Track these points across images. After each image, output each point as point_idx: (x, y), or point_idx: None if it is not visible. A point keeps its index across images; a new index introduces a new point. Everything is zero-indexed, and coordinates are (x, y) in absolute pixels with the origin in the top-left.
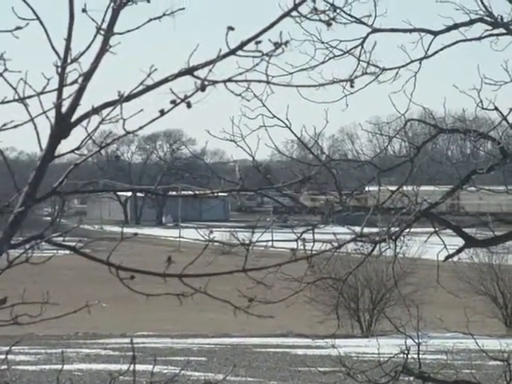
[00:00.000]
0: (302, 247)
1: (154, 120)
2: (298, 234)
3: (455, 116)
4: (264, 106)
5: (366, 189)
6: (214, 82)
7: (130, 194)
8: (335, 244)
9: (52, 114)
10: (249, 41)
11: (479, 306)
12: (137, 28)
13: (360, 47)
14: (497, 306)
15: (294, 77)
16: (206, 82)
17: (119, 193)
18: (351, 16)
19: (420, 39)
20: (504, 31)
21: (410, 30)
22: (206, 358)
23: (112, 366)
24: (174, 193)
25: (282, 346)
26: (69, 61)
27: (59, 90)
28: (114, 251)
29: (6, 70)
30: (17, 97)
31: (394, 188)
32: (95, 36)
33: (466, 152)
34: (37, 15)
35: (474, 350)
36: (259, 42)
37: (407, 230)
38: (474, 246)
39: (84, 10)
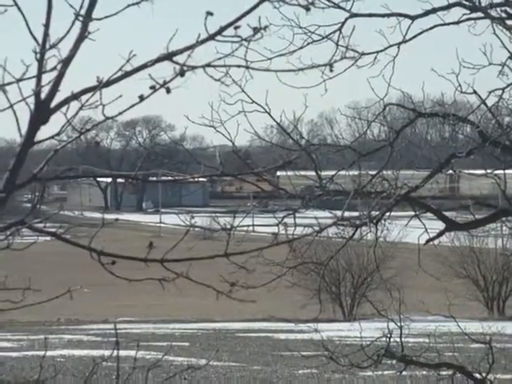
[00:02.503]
0: (283, 232)
1: (133, 106)
2: (279, 219)
3: (434, 100)
4: (243, 91)
5: (345, 173)
6: (193, 68)
7: (110, 180)
8: (316, 228)
9: (31, 100)
10: (228, 26)
11: (460, 289)
12: (115, 14)
13: (338, 32)
14: (478, 289)
15: (273, 62)
16: (185, 68)
17: (99, 179)
18: (329, 1)
19: (398, 24)
20: (482, 15)
21: (388, 15)
22: (188, 343)
23: (95, 351)
24: (154, 178)
25: (264, 330)
26: (47, 47)
27: (38, 77)
28: (94, 237)
29: None
30: None
31: (373, 172)
32: (73, 22)
33: (445, 136)
34: (15, 1)
35: (456, 333)
36: (238, 27)
37: (388, 214)
38: (454, 230)
39: None
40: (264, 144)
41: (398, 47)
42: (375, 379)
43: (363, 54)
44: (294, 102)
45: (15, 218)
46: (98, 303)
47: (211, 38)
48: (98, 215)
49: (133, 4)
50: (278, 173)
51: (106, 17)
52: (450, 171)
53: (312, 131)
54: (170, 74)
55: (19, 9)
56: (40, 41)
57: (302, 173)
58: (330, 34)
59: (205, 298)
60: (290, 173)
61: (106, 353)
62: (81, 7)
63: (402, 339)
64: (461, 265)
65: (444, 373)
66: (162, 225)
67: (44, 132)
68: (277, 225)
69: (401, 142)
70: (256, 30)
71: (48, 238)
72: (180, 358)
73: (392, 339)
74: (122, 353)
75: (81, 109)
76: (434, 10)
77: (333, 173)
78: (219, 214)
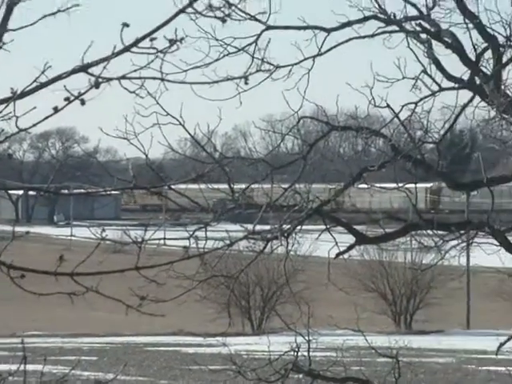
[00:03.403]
0: (194, 245)
1: (47, 117)
2: (191, 232)
3: (347, 113)
4: (158, 103)
5: (258, 186)
6: (108, 79)
7: (21, 192)
8: (227, 242)
9: None
10: (143, 37)
11: (369, 303)
12: (31, 24)
13: (254, 44)
14: (386, 303)
15: (189, 74)
16: (100, 79)
17: (10, 191)
18: (246, 13)
19: (314, 36)
20: (397, 28)
21: (304, 28)
22: (96, 357)
23: (1, 366)
24: (66, 191)
25: (173, 344)
26: None
27: None
28: (4, 250)
29: None
30: None
31: (286, 185)
32: None
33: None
34: None
35: (363, 347)
36: (154, 38)
37: (299, 228)
38: (364, 243)
39: None
40: (178, 157)
41: (313, 60)
42: None
43: (278, 66)
44: (208, 115)
45: None
46: (5, 317)
47: (127, 49)
48: (8, 228)
49: (49, 15)
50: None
51: (22, 27)
52: (363, 185)
53: (226, 144)
54: (85, 85)
55: None
56: None
57: (215, 186)
58: (246, 46)
59: (115, 312)
60: (202, 186)
61: (13, 367)
62: None
63: (310, 353)
64: (370, 279)
65: None
66: (72, 238)
67: None
68: (188, 238)
69: (314, 155)
70: (172, 42)
71: None
72: (87, 372)
73: (300, 353)
74: (29, 367)
75: None
76: (349, 23)
77: (246, 186)
78: (130, 227)
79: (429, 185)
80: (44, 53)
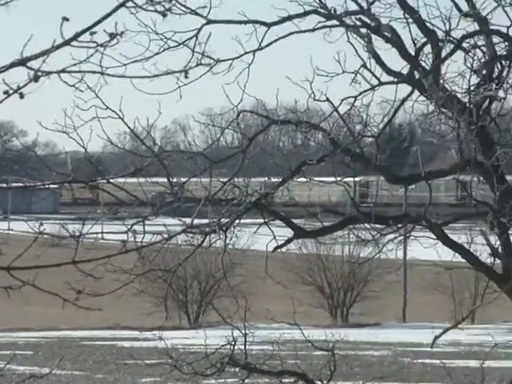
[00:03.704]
0: (132, 239)
1: None
2: (129, 226)
3: (287, 107)
4: (97, 97)
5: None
6: (48, 73)
7: None
8: (165, 235)
9: None
10: (83, 31)
11: (306, 296)
12: None
13: (195, 38)
14: (323, 296)
15: (129, 68)
16: (40, 73)
17: None
18: (186, 7)
19: (254, 31)
20: (337, 23)
21: (245, 22)
22: (32, 351)
23: None
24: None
25: (109, 338)
26: None
27: None
28: None
29: None
30: None
31: (225, 179)
32: None
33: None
34: None
35: (300, 341)
36: (94, 32)
37: (237, 221)
38: (302, 237)
39: None
40: (117, 150)
41: (254, 54)
42: None
43: (219, 60)
44: (148, 108)
45: None
46: None
47: (66, 43)
48: None
49: None
50: (130, 179)
51: None
52: (301, 178)
53: (165, 137)
54: (24, 79)
55: None
56: None
57: (154, 179)
58: (186, 40)
59: (51, 306)
60: (141, 179)
61: None
62: None
63: (247, 347)
64: (307, 272)
65: (286, 380)
66: (10, 232)
67: None
68: (126, 232)
69: (253, 149)
70: (112, 36)
71: None
72: (22, 367)
73: (236, 347)
74: None
75: None
76: (289, 18)
77: (185, 179)
78: (68, 221)
79: (358, 178)
80: None
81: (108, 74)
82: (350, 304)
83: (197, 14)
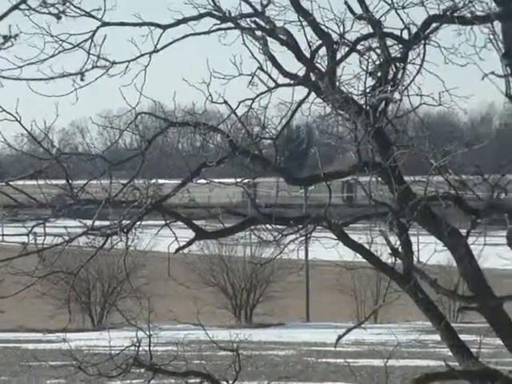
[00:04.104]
0: (33, 241)
1: None
2: (29, 228)
3: (185, 109)
4: None
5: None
6: None
7: None
8: (66, 238)
9: None
10: None
11: (210, 297)
12: None
13: (90, 41)
14: (226, 297)
15: (24, 70)
16: None
17: None
18: (81, 9)
19: (150, 33)
20: (232, 25)
21: (140, 24)
22: None
23: None
24: None
25: (12, 340)
26: None
27: None
28: None
29: None
30: None
31: (125, 181)
32: None
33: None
34: None
35: (204, 341)
36: None
37: (138, 223)
38: (204, 238)
39: None
40: (15, 153)
41: (150, 56)
42: None
43: (115, 62)
44: (45, 111)
45: None
46: None
47: None
48: None
49: None
50: (29, 181)
51: None
52: (201, 180)
53: (63, 140)
54: None
55: None
56: None
57: (54, 182)
58: (82, 42)
59: None
60: (40, 181)
61: None
62: None
63: (151, 348)
64: (210, 273)
65: (192, 381)
66: None
67: None
68: (26, 234)
69: (152, 150)
70: (6, 39)
71: None
72: None
73: (141, 348)
74: None
75: None
76: (184, 20)
77: (84, 182)
78: None
79: (246, 180)
80: None
81: (3, 77)
82: (253, 304)
83: (91, 16)
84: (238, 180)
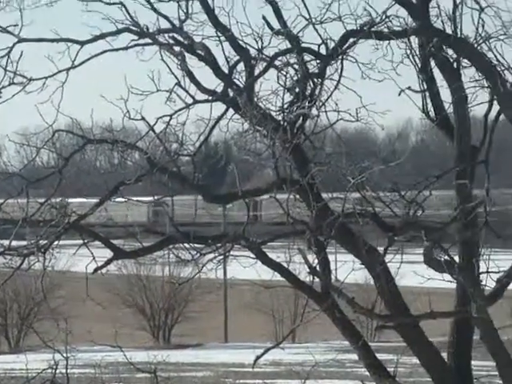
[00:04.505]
0: None
1: None
2: None
3: (103, 126)
4: None
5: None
6: None
7: None
8: None
9: None
10: None
11: (128, 317)
12: None
13: (7, 57)
14: (145, 318)
15: None
16: None
17: None
18: None
19: (67, 49)
20: (150, 41)
21: (58, 40)
22: None
23: None
24: None
25: None
26: None
27: None
28: None
29: None
30: None
31: (42, 200)
32: None
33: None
34: None
35: (122, 363)
36: None
37: (56, 243)
38: (122, 258)
39: None
40: None
41: (67, 73)
42: None
43: (32, 79)
44: None
45: None
46: None
47: None
48: None
49: None
50: None
51: None
52: (119, 198)
53: None
54: None
55: None
56: None
57: None
58: None
59: None
60: None
61: None
62: None
63: (68, 370)
64: (128, 293)
65: None
66: None
67: None
68: None
69: (70, 168)
70: None
71: None
72: None
73: (58, 370)
74: None
75: None
76: (102, 36)
77: (1, 201)
78: None
79: (150, 198)
80: None
81: None
82: (171, 325)
83: (8, 32)
84: (157, 198)
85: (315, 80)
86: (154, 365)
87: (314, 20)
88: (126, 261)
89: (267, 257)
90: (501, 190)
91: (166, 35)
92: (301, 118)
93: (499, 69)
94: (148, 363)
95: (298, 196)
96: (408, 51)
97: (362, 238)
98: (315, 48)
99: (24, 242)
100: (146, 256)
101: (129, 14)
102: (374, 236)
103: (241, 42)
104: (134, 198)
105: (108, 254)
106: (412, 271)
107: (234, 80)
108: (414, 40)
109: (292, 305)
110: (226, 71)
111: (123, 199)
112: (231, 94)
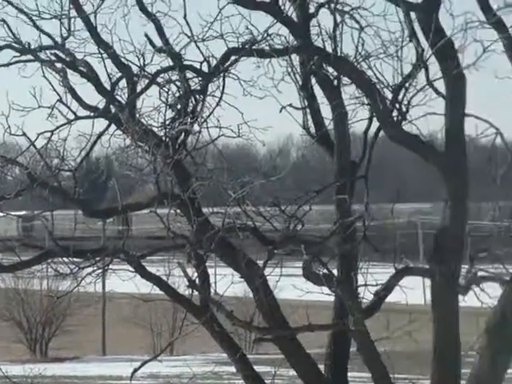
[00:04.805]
0: None
1: None
2: None
3: None
4: None
5: None
6: None
7: None
8: None
9: None
10: None
11: (5, 331)
12: None
13: None
14: (21, 331)
15: None
16: None
17: None
18: None
19: None
20: (32, 58)
21: None
22: None
23: None
24: None
25: None
26: None
27: None
28: None
29: None
30: None
31: None
32: None
33: None
34: None
35: None
36: None
37: None
38: (0, 272)
39: None
40: None
41: None
42: None
43: None
44: None
45: None
46: None
47: None
48: None
49: None
50: None
51: None
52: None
53: None
54: None
55: None
56: None
57: None
58: None
59: None
60: None
61: None
62: None
63: None
64: (5, 307)
65: None
66: None
67: None
68: None
69: None
70: None
71: None
72: None
73: None
74: None
75: None
76: None
77: None
78: None
79: (21, 212)
80: None
81: None
82: (48, 338)
83: None
84: (37, 212)
85: (197, 97)
86: (30, 378)
87: (196, 38)
88: (3, 275)
89: (146, 270)
90: (380, 204)
91: (48, 52)
92: (183, 134)
93: (379, 86)
94: (24, 377)
95: (178, 210)
96: (289, 69)
97: (241, 251)
98: (197, 65)
99: None
100: (24, 269)
101: (11, 30)
102: (254, 250)
103: (123, 59)
104: (13, 213)
105: None
106: (291, 284)
107: (116, 96)
108: (295, 58)
109: (170, 318)
110: (109, 88)
111: (2, 213)
112: (113, 110)
